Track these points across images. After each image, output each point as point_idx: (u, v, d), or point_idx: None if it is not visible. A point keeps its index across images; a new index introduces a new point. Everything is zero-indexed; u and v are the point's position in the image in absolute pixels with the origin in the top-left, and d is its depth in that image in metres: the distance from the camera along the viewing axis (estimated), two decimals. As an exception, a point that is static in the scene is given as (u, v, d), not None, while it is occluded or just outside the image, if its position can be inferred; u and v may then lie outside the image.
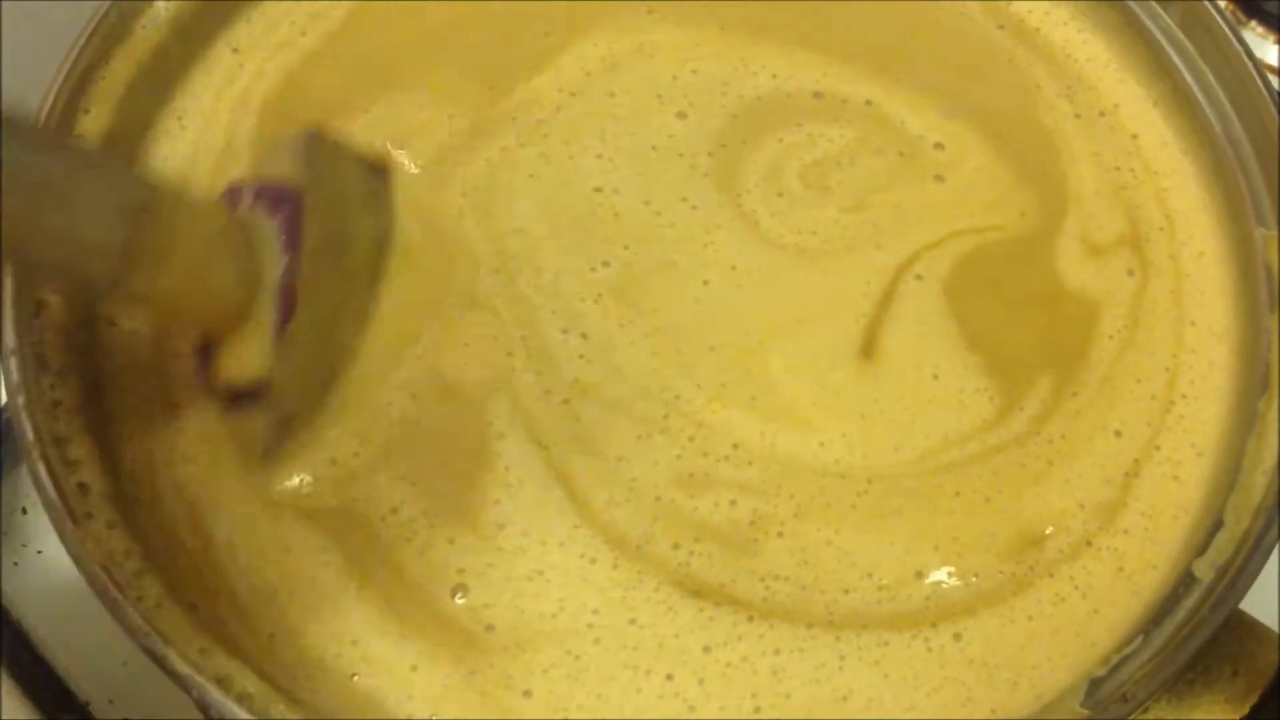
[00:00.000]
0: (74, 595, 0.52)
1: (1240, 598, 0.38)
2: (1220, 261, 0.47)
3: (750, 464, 0.43)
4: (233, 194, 0.44)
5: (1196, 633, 0.38)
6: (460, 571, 0.42)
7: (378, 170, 0.48)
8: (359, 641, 0.41)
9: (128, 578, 0.40)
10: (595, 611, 0.41)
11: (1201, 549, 0.40)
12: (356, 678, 0.41)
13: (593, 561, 0.42)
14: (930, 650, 0.41)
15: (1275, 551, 0.39)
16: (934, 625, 0.42)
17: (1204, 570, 0.40)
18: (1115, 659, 0.39)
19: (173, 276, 0.40)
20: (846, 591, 0.42)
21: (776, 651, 0.41)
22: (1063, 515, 0.43)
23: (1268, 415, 0.42)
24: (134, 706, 0.53)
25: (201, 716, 0.49)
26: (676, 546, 0.42)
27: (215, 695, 0.38)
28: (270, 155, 0.46)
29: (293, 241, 0.43)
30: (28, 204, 0.35)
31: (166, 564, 0.41)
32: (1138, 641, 0.39)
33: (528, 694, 0.41)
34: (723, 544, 0.42)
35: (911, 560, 0.43)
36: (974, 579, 0.42)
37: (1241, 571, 0.39)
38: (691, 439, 0.44)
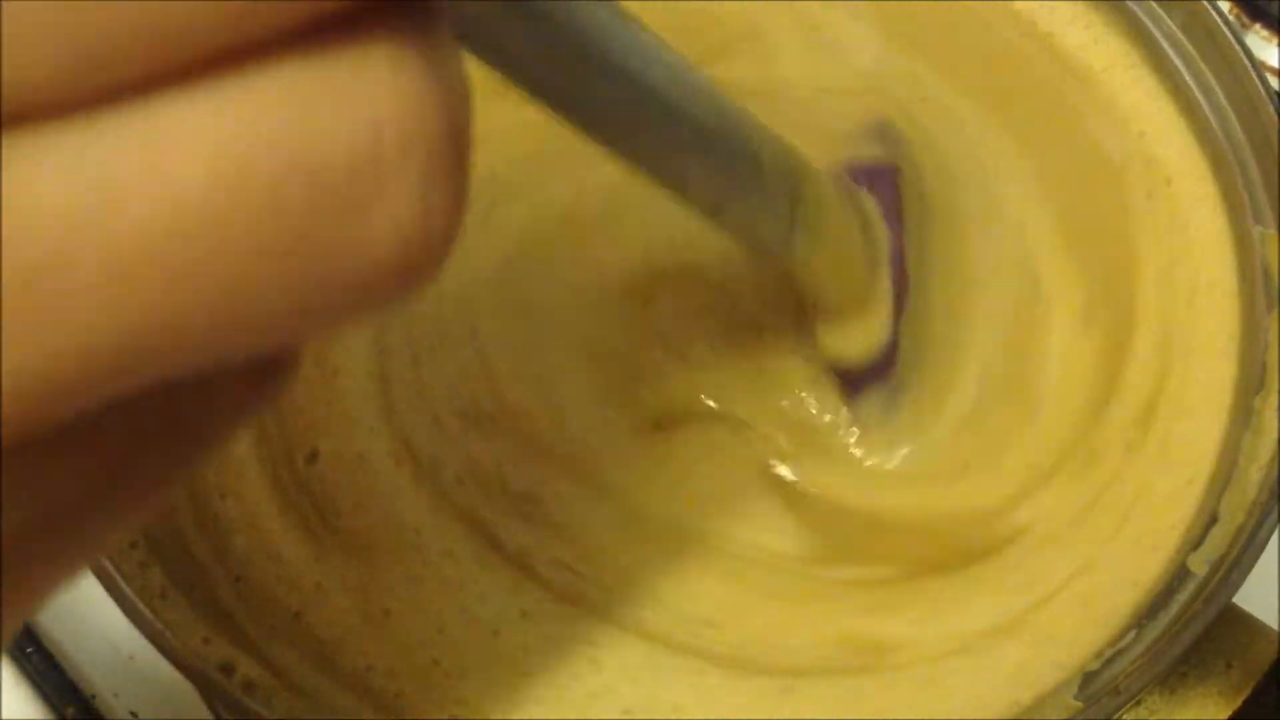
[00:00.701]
0: (79, 588, 0.53)
1: (1234, 592, 0.38)
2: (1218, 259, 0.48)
3: None
4: (841, 178, 0.44)
5: (1190, 626, 0.38)
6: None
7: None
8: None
9: (133, 568, 0.40)
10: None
11: (1196, 543, 0.40)
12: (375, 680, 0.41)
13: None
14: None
15: (1270, 546, 0.39)
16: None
17: (1199, 564, 0.40)
18: (1109, 652, 0.39)
19: (826, 245, 0.40)
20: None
21: None
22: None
23: (1264, 412, 0.42)
24: (139, 700, 0.53)
25: (205, 706, 0.50)
26: None
27: (219, 684, 0.38)
28: (850, 145, 0.46)
29: (894, 217, 0.43)
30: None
31: (171, 555, 0.42)
32: (1132, 635, 0.39)
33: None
34: None
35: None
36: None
37: (1236, 566, 0.39)
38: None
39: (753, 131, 0.35)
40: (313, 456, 0.44)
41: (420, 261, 0.16)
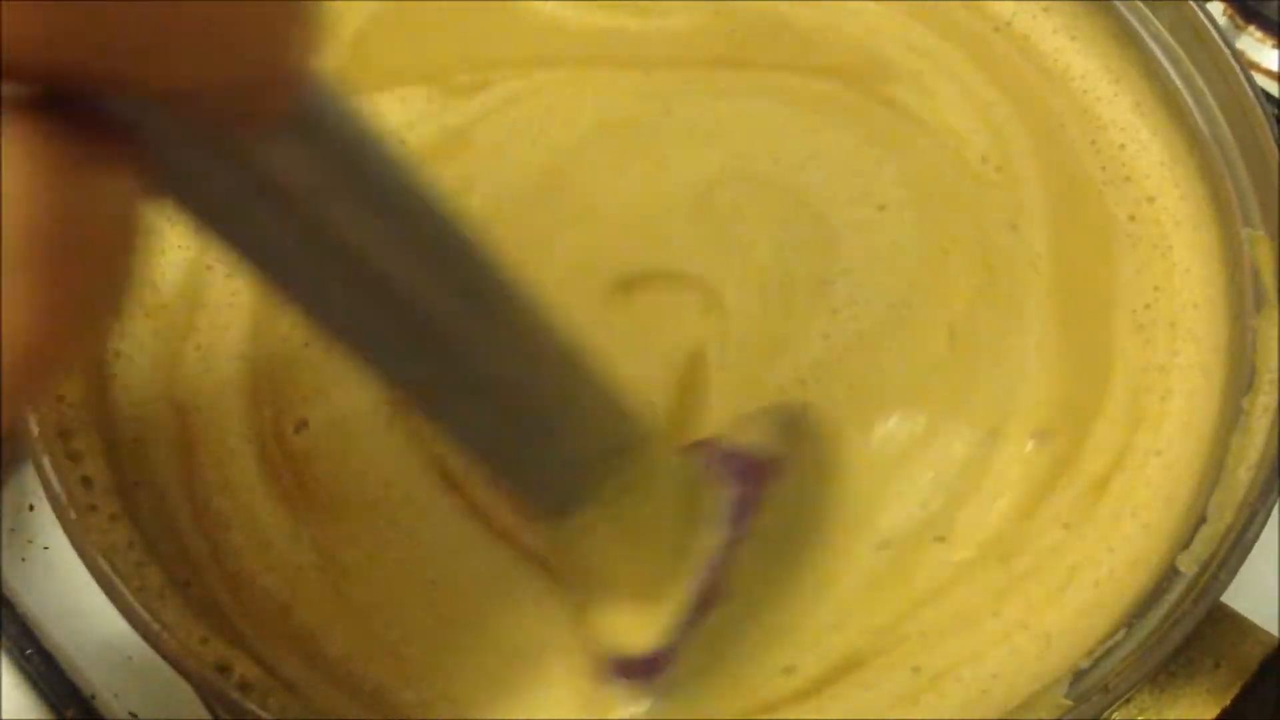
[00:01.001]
0: (79, 590, 0.53)
1: (1222, 591, 0.39)
2: (1207, 260, 0.48)
3: None
4: (703, 447, 0.40)
5: (1179, 625, 0.38)
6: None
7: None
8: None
9: (130, 568, 0.40)
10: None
11: (1185, 543, 0.41)
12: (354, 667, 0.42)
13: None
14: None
15: (1258, 546, 0.40)
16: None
17: (1187, 564, 0.40)
18: (1099, 651, 0.39)
19: (620, 527, 0.37)
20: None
21: None
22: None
23: (1252, 412, 0.42)
24: (138, 700, 0.53)
25: (203, 706, 0.50)
26: None
27: (216, 683, 0.38)
28: (745, 421, 0.42)
29: (742, 519, 0.39)
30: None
31: (168, 555, 0.42)
32: (1121, 634, 0.39)
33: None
34: None
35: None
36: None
37: (1224, 566, 0.39)
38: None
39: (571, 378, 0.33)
40: (301, 425, 0.45)
41: None
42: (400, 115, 0.50)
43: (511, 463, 0.34)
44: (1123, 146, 0.50)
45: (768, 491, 0.40)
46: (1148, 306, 0.47)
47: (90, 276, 0.15)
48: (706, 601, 0.38)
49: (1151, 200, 0.49)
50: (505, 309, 0.31)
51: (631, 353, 0.43)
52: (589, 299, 0.46)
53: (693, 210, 0.48)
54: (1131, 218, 0.49)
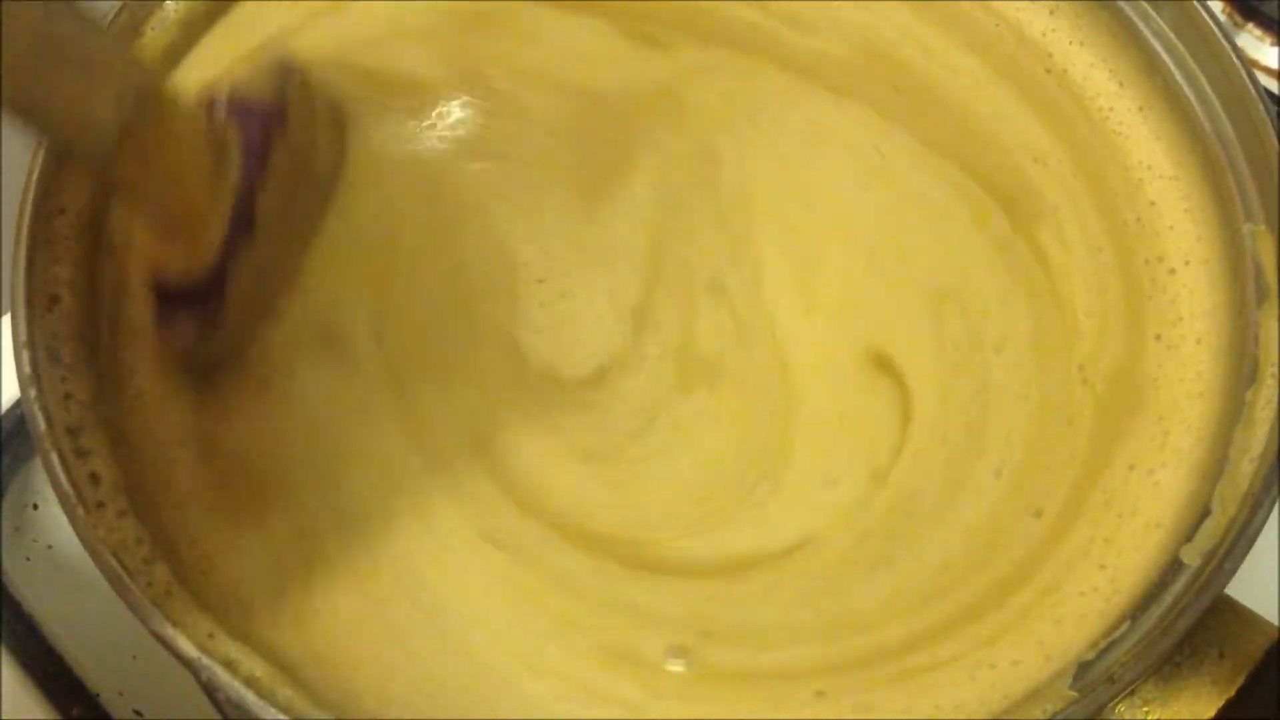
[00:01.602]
0: (84, 589, 0.54)
1: (1226, 583, 0.39)
2: (1209, 255, 0.48)
3: None
4: (209, 104, 0.44)
5: (1183, 617, 0.38)
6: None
7: (338, 113, 0.49)
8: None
9: (138, 564, 0.41)
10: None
11: (1189, 536, 0.41)
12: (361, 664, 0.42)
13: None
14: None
15: (1262, 538, 0.40)
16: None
17: (1191, 556, 0.40)
18: (1104, 643, 0.39)
19: (156, 168, 0.41)
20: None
21: None
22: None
23: (1254, 405, 0.43)
24: (143, 698, 0.54)
25: (209, 701, 0.50)
26: None
27: (223, 678, 0.38)
28: (246, 77, 0.46)
29: (257, 153, 0.43)
30: (44, 55, 0.35)
31: (175, 551, 0.42)
32: (1126, 626, 0.39)
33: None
34: None
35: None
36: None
37: (1228, 557, 0.39)
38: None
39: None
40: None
41: None
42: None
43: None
44: (1125, 137, 0.51)
45: (279, 133, 0.44)
46: (1150, 300, 0.48)
47: None
48: (238, 231, 0.43)
49: (1153, 203, 0.50)
50: None
51: None
52: None
53: None
54: (1138, 219, 0.49)
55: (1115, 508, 0.44)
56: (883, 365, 0.46)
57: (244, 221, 0.43)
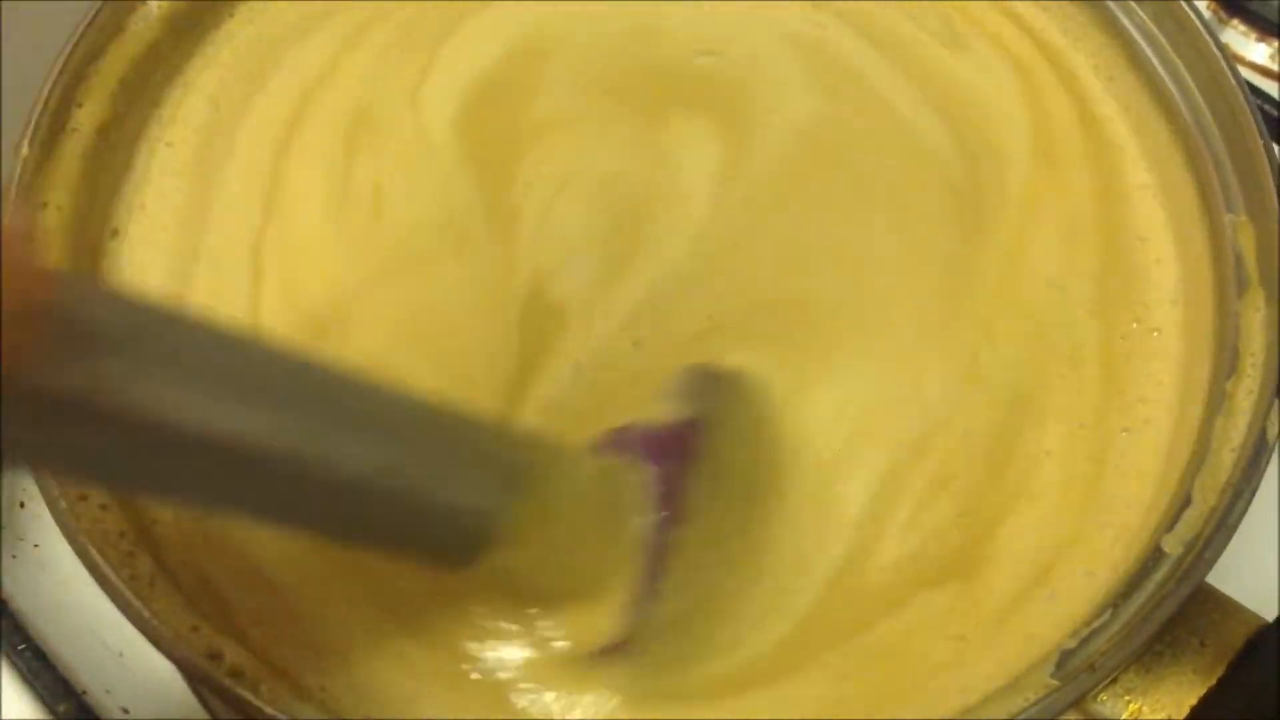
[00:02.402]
0: (70, 587, 0.53)
1: (1207, 572, 0.39)
2: (1191, 246, 0.48)
3: None
4: (617, 439, 0.40)
5: (1164, 605, 0.38)
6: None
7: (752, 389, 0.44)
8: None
9: (120, 557, 0.41)
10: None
11: (1170, 525, 0.41)
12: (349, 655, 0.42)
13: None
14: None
15: (1242, 527, 0.40)
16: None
17: (1173, 545, 0.40)
18: (1085, 631, 0.39)
19: (545, 543, 0.37)
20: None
21: None
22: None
23: (1235, 396, 0.43)
24: (129, 695, 0.53)
25: (196, 701, 0.50)
26: None
27: (208, 671, 0.39)
28: (658, 396, 0.42)
29: (670, 493, 0.38)
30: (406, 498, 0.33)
31: (158, 544, 0.42)
32: (1107, 614, 0.40)
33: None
34: None
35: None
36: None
37: (1209, 546, 0.39)
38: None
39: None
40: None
41: None
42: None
43: (403, 538, 0.35)
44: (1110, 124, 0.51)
45: (694, 460, 0.39)
46: (1133, 291, 0.48)
47: None
48: (650, 587, 0.39)
49: (1141, 186, 0.50)
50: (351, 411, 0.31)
51: None
52: None
53: None
54: (1122, 211, 0.50)
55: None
56: None
57: (661, 568, 0.38)
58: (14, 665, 0.53)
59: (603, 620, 0.39)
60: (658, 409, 0.41)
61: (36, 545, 0.56)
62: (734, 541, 0.41)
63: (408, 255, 0.48)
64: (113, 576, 0.39)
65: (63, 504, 0.40)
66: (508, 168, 0.49)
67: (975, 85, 0.52)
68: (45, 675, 0.53)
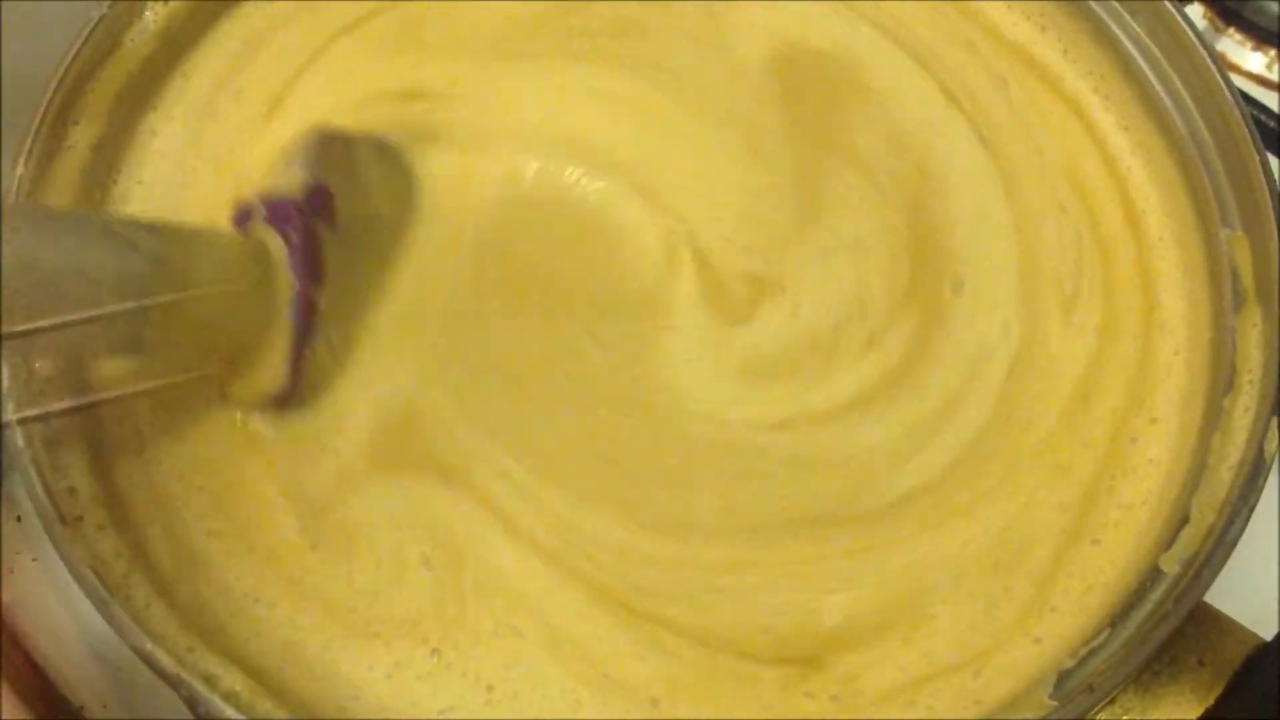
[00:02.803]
0: (66, 602, 0.53)
1: (1205, 590, 0.39)
2: (1187, 262, 0.48)
3: None
4: (242, 213, 0.43)
5: (1163, 624, 0.38)
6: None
7: (386, 148, 0.48)
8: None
9: (116, 578, 0.41)
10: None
11: (1168, 544, 0.41)
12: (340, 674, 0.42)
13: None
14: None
15: (1240, 546, 0.40)
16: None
17: (1170, 564, 0.40)
18: (1083, 651, 0.39)
19: (191, 322, 0.40)
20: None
21: None
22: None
23: (1232, 413, 0.43)
24: (126, 711, 0.53)
25: (190, 716, 0.50)
26: None
27: (203, 693, 0.38)
28: (279, 166, 0.44)
29: (305, 259, 0.42)
30: (42, 295, 0.36)
31: (154, 565, 0.42)
32: (1105, 634, 0.39)
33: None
34: None
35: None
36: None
37: (1207, 565, 0.39)
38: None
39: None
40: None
41: None
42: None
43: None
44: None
45: (326, 221, 0.43)
46: (1129, 309, 0.48)
47: None
48: (302, 337, 0.43)
49: (1132, 202, 0.50)
50: None
51: None
52: None
53: None
54: (1114, 220, 0.49)
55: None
56: None
57: (308, 330, 0.43)
58: (11, 679, 0.53)
59: (266, 376, 0.44)
60: (282, 178, 0.44)
61: (34, 559, 0.56)
62: (369, 296, 0.46)
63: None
64: (109, 598, 0.39)
65: (58, 525, 0.40)
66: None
67: None
68: (43, 690, 0.53)
